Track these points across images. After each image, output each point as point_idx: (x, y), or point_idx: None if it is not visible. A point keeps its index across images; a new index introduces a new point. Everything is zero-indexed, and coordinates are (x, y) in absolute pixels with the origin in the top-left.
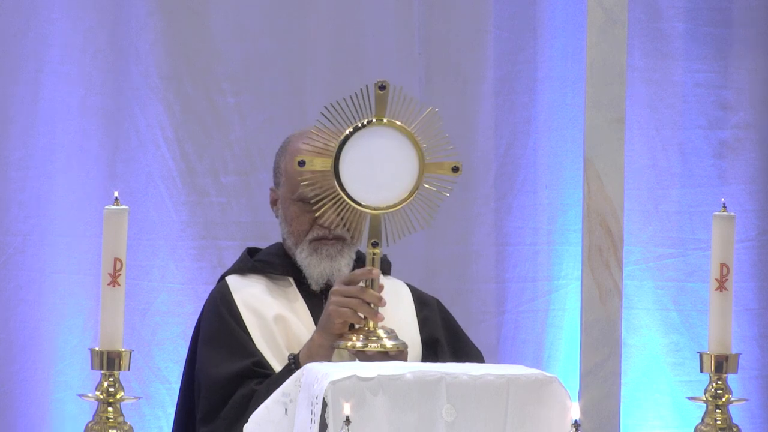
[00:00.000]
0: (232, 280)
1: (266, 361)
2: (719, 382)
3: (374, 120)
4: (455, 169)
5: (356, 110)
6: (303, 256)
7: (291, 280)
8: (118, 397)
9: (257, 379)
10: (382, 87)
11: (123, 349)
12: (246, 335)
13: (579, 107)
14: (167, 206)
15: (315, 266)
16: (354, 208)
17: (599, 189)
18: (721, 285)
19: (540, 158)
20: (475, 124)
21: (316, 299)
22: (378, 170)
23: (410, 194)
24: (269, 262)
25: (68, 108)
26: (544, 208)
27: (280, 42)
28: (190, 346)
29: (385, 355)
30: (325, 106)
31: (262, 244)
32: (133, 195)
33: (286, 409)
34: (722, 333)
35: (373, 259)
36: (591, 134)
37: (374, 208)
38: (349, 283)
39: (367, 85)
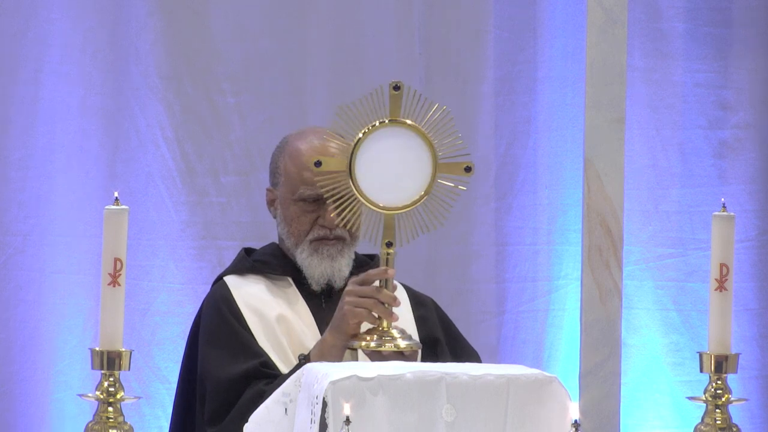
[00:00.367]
0: (231, 281)
1: (272, 361)
2: (719, 382)
3: (388, 120)
4: (467, 169)
5: (371, 111)
6: (303, 257)
7: (290, 280)
8: (118, 397)
9: (265, 380)
10: (396, 87)
11: (123, 349)
12: (250, 335)
13: (579, 107)
14: (167, 206)
15: (316, 266)
16: (361, 208)
17: (599, 189)
18: (721, 285)
19: (540, 158)
20: (475, 124)
21: (315, 299)
22: (392, 170)
23: (424, 194)
24: (268, 263)
25: (68, 108)
26: (544, 208)
27: (280, 42)
28: (186, 346)
29: (399, 356)
30: (340, 107)
31: (261, 245)
32: (133, 195)
33: (286, 409)
34: (722, 333)
35: (387, 259)
36: (591, 134)
37: (389, 209)
38: (364, 283)
39: (381, 86)
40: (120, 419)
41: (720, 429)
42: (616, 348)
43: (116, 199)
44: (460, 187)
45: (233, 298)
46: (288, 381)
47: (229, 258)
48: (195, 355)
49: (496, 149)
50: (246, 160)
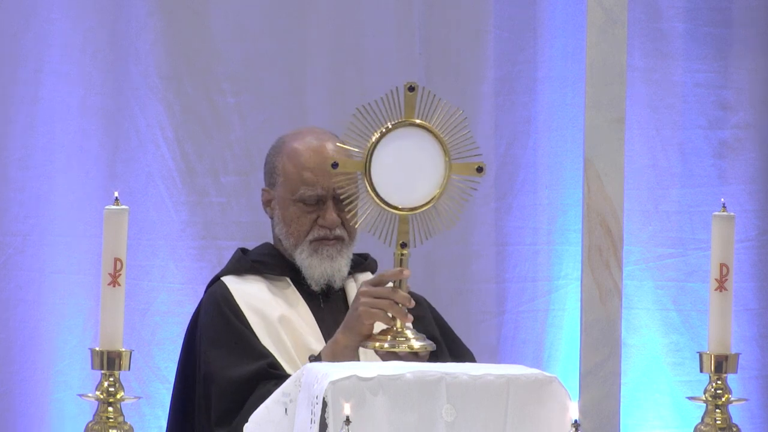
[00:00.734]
0: (229, 281)
1: (279, 362)
2: (719, 382)
3: (403, 121)
4: (479, 170)
5: (386, 112)
6: (303, 257)
7: (288, 280)
8: (118, 397)
9: (274, 381)
10: (411, 88)
11: (123, 349)
12: (253, 336)
13: (579, 107)
14: (167, 206)
15: (316, 267)
16: (378, 209)
17: (599, 189)
18: (721, 285)
19: (540, 158)
20: (475, 124)
21: (314, 300)
22: (406, 171)
23: (438, 194)
24: (266, 263)
25: (68, 108)
26: (544, 208)
27: (280, 42)
28: (183, 346)
29: (414, 356)
30: (357, 108)
31: (258, 245)
32: (133, 195)
33: (286, 409)
34: (722, 333)
35: (401, 259)
36: (591, 134)
37: (403, 209)
38: (378, 284)
39: (397, 87)
40: (120, 419)
41: (720, 429)
42: (616, 348)
43: (116, 199)
44: (471, 187)
45: (234, 299)
46: (288, 381)
47: (229, 258)
48: (192, 355)
49: (496, 149)
50: (246, 160)
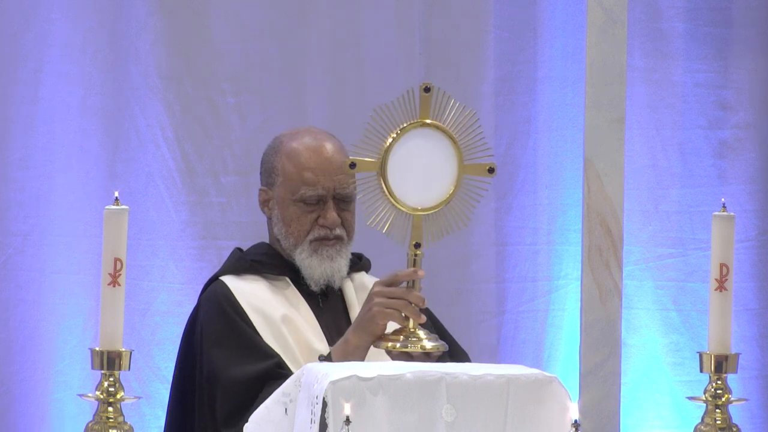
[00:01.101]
0: (229, 281)
1: (285, 362)
2: (719, 382)
3: (417, 122)
4: (491, 170)
5: (402, 112)
6: (303, 257)
7: (288, 280)
8: (118, 397)
9: (280, 380)
10: (426, 89)
11: (123, 349)
12: (257, 335)
13: (579, 107)
14: (167, 206)
15: (316, 267)
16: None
17: (599, 189)
18: (721, 285)
19: (540, 158)
20: None
21: (313, 300)
22: (420, 172)
23: (451, 195)
24: (264, 262)
25: (68, 108)
26: (544, 208)
27: (280, 42)
28: (181, 346)
29: (426, 357)
30: (373, 109)
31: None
32: (133, 195)
33: (286, 409)
34: (722, 333)
35: (415, 260)
36: (591, 134)
37: (418, 210)
38: (392, 284)
39: (412, 88)
40: (120, 419)
41: (720, 429)
42: (616, 348)
43: (116, 199)
44: (482, 188)
45: (235, 298)
46: (288, 381)
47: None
48: (191, 355)
49: (496, 149)
50: (246, 160)
